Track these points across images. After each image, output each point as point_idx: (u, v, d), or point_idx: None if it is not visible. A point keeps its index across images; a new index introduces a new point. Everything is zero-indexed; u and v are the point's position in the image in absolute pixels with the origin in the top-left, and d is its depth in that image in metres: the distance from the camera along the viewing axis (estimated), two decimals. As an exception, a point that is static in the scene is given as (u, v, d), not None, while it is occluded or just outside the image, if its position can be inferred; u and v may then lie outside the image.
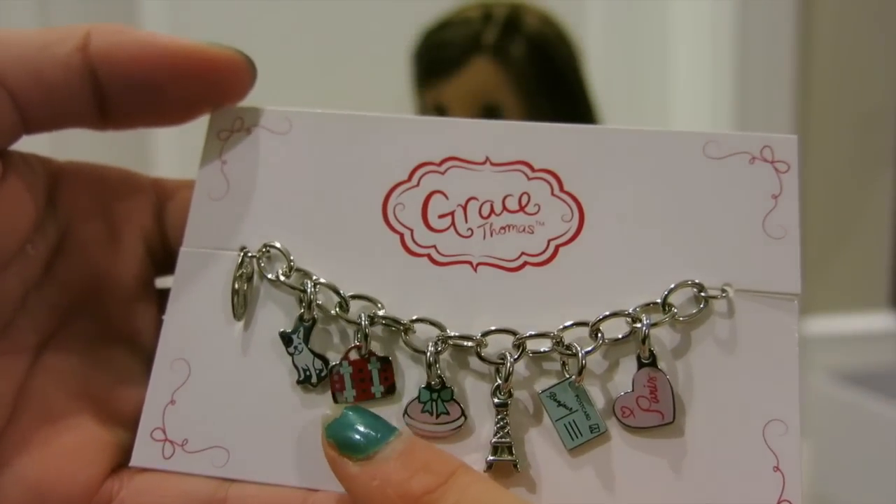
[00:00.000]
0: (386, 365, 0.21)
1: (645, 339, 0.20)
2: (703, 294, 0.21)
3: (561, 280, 0.21)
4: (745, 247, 0.21)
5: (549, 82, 0.77)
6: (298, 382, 0.21)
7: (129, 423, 0.22)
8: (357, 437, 0.19)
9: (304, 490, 0.21)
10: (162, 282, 0.24)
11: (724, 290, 0.21)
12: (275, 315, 0.22)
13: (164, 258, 0.24)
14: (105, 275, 0.22)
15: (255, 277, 0.22)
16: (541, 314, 0.21)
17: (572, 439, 0.20)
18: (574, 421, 0.20)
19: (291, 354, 0.21)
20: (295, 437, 0.21)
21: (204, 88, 0.22)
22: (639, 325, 0.20)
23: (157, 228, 0.24)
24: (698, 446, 0.20)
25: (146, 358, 0.22)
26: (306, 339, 0.21)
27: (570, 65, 0.79)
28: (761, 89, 1.08)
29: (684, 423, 0.20)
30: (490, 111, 0.76)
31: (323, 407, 0.21)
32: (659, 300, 0.21)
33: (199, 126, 0.24)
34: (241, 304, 0.22)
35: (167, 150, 1.05)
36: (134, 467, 0.21)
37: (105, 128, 0.22)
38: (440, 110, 0.78)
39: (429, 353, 0.20)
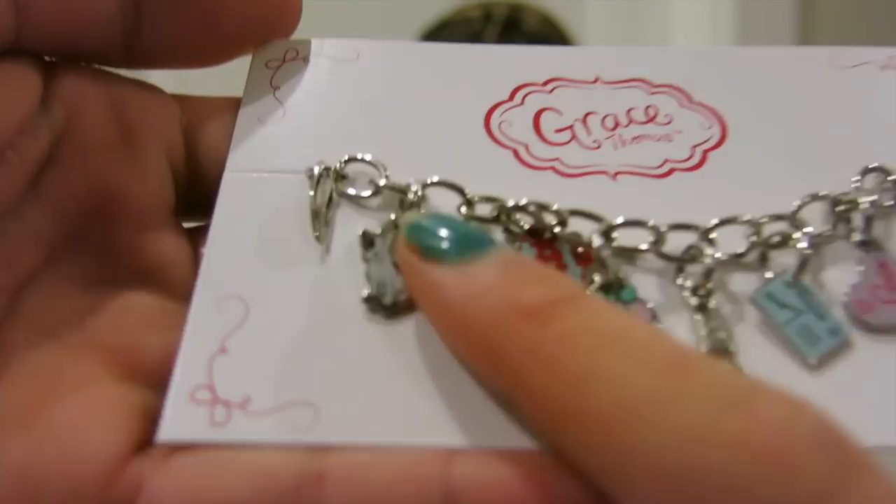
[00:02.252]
0: (577, 240, 0.17)
1: (870, 217, 0.17)
2: (892, 178, 0.18)
3: (716, 184, 0.19)
4: (883, 157, 0.19)
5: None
6: (366, 300, 0.16)
7: (156, 382, 0.15)
8: (448, 242, 0.14)
9: (442, 452, 0.14)
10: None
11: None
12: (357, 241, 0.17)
13: (189, 190, 0.19)
14: (115, 192, 0.17)
15: (335, 196, 0.18)
16: (703, 219, 0.18)
17: (811, 347, 0.15)
18: (807, 324, 0.16)
19: (368, 261, 0.16)
20: (413, 380, 0.15)
21: (250, 20, 0.18)
22: (845, 207, 0.17)
23: (184, 148, 0.19)
24: None
25: (171, 299, 0.17)
26: (392, 247, 0.16)
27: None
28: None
29: None
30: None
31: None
32: (847, 191, 0.18)
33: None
34: (323, 222, 0.17)
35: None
36: (167, 443, 0.14)
37: (128, 64, 0.18)
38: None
39: (596, 245, 0.17)
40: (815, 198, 0.17)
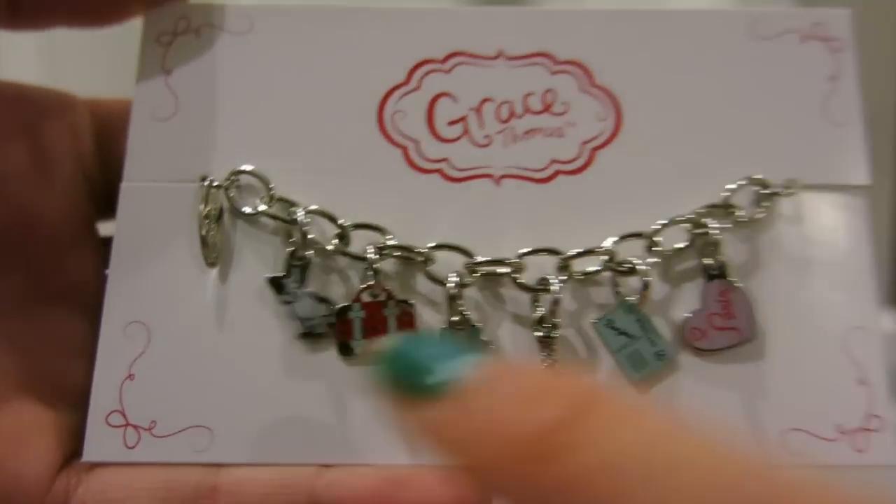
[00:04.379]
0: (406, 309, 0.17)
1: (714, 245, 0.17)
2: (767, 192, 0.18)
3: (600, 189, 0.18)
4: (806, 136, 0.19)
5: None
6: (300, 336, 0.17)
7: (78, 401, 0.17)
8: (427, 369, 0.13)
9: (314, 467, 0.17)
10: (106, 228, 0.19)
11: (788, 187, 0.18)
12: (255, 258, 0.18)
13: (107, 196, 0.19)
14: (33, 214, 0.18)
15: (225, 214, 0.18)
16: (579, 230, 0.18)
17: (637, 370, 0.17)
18: (638, 350, 0.17)
19: (288, 303, 0.17)
20: (295, 404, 0.17)
21: None
22: (701, 230, 0.18)
23: (97, 157, 0.19)
24: (777, 365, 0.18)
25: (90, 317, 0.18)
26: (302, 282, 0.17)
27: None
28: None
29: (762, 345, 0.18)
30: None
31: (327, 365, 0.17)
32: (718, 202, 0.18)
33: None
34: (213, 248, 0.17)
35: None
36: (90, 462, 0.17)
37: (14, 26, 0.18)
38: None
39: (448, 285, 0.17)
40: (672, 222, 0.18)
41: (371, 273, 0.17)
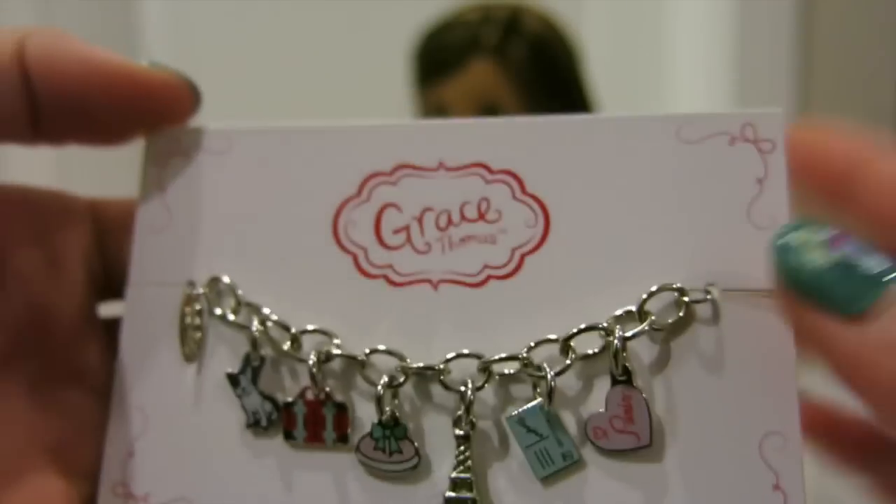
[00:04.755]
0: (341, 412, 0.19)
1: (617, 353, 0.18)
2: (683, 298, 0.18)
3: (528, 293, 0.19)
4: (728, 240, 0.19)
5: (549, 83, 0.77)
6: (248, 426, 0.20)
7: (90, 473, 0.20)
8: (841, 295, 0.15)
9: None
10: (105, 309, 0.23)
11: (706, 292, 0.18)
12: (227, 354, 0.20)
13: (106, 285, 0.22)
14: (47, 308, 0.21)
15: (205, 315, 0.20)
16: (509, 332, 0.19)
17: (543, 468, 0.18)
18: (545, 448, 0.18)
19: (239, 396, 0.20)
20: (253, 480, 0.20)
21: (138, 111, 0.20)
22: (611, 336, 0.18)
23: (98, 253, 0.22)
24: (682, 470, 0.18)
25: (98, 397, 0.21)
26: (254, 380, 0.20)
27: (569, 66, 0.79)
28: (761, 90, 1.08)
29: (665, 446, 0.18)
30: (490, 112, 0.76)
31: (274, 451, 0.20)
32: (634, 308, 0.19)
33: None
34: (193, 345, 0.20)
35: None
36: None
37: (35, 142, 0.20)
38: (440, 112, 0.78)
39: (379, 387, 0.19)
40: (586, 328, 0.19)
41: (311, 378, 0.19)
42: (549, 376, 0.18)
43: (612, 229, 0.19)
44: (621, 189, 0.19)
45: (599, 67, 1.09)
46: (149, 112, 0.21)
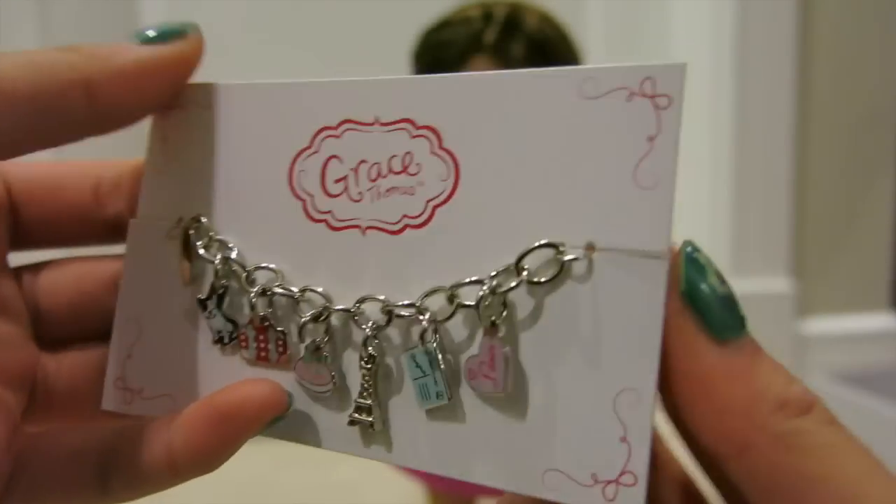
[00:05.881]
0: (280, 336, 0.23)
1: (479, 304, 0.20)
2: (559, 256, 0.19)
3: (438, 243, 0.21)
4: (611, 199, 0.18)
5: (550, 82, 0.77)
6: (213, 342, 0.23)
7: (21, 385, 0.22)
8: (727, 312, 0.18)
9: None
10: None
11: (587, 250, 0.19)
12: (207, 280, 0.24)
13: (15, 239, 0.24)
14: None
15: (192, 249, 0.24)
16: (418, 278, 0.21)
17: (424, 401, 0.20)
18: (426, 384, 0.20)
19: (206, 318, 0.23)
20: (216, 389, 0.23)
21: (171, 95, 0.24)
22: (489, 289, 0.19)
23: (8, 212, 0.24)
24: (537, 418, 0.19)
25: (16, 324, 0.23)
26: (219, 305, 0.23)
27: (569, 64, 0.79)
28: (761, 90, 1.08)
29: (528, 394, 0.19)
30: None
31: (234, 365, 0.23)
32: (512, 263, 0.19)
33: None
34: (185, 272, 0.24)
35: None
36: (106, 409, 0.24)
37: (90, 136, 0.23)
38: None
39: (302, 319, 0.22)
40: (470, 282, 0.20)
41: (253, 305, 0.23)
42: (424, 321, 0.20)
43: (513, 185, 0.20)
44: (525, 145, 0.20)
45: (599, 67, 1.09)
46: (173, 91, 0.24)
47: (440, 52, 0.76)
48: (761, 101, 1.08)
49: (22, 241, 0.24)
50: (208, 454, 0.21)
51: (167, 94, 0.23)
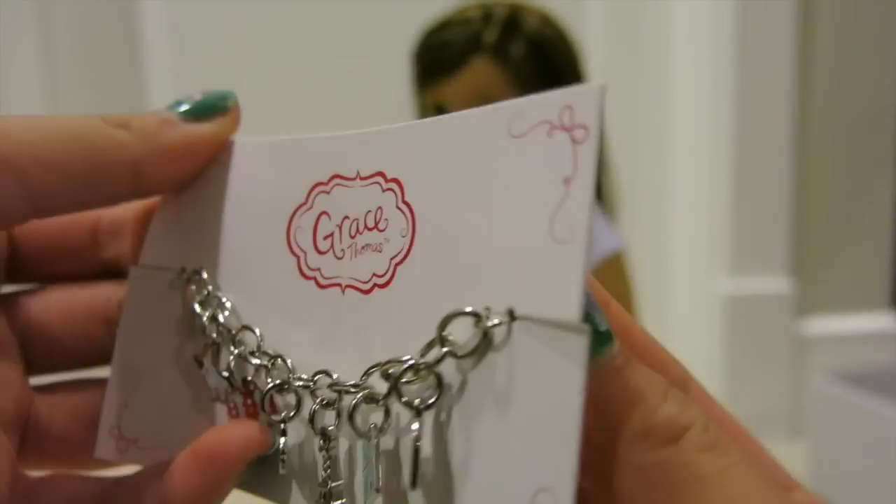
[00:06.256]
0: (265, 398, 0.22)
1: (396, 383, 0.18)
2: (480, 325, 0.17)
3: (399, 303, 0.20)
4: (530, 256, 0.16)
5: (549, 82, 0.77)
6: (212, 400, 0.23)
7: (12, 426, 0.22)
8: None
9: None
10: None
11: (510, 317, 0.17)
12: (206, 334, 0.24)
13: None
14: None
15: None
16: (384, 341, 0.20)
17: (367, 493, 0.19)
18: (367, 476, 0.19)
19: (203, 376, 0.23)
20: None
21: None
22: (394, 370, 0.18)
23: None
24: None
25: (6, 359, 0.23)
26: (214, 363, 0.23)
27: (570, 65, 0.79)
28: (761, 89, 1.08)
29: (452, 487, 0.17)
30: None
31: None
32: (435, 335, 0.18)
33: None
34: (189, 323, 0.24)
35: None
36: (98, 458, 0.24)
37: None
38: (440, 110, 0.78)
39: (266, 390, 0.21)
40: (388, 362, 0.19)
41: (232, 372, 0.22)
42: (362, 402, 0.19)
43: (454, 240, 0.18)
44: (463, 195, 0.18)
45: (600, 67, 1.09)
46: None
47: (440, 52, 0.76)
48: (761, 101, 1.08)
49: (15, 274, 0.24)
50: (199, 498, 0.21)
51: (203, 168, 0.24)
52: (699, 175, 1.15)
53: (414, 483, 0.17)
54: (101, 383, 0.25)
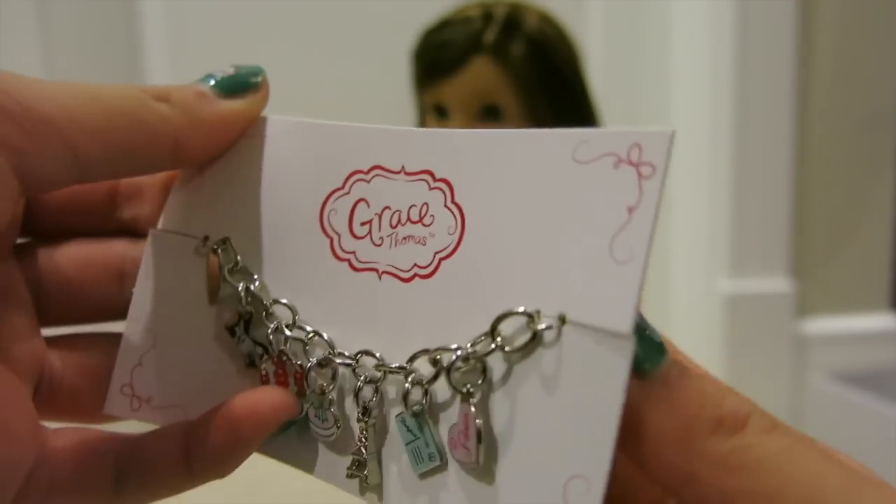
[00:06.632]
0: (298, 370, 0.23)
1: (449, 371, 0.20)
2: (532, 325, 0.19)
3: (441, 295, 0.21)
4: (587, 271, 0.18)
5: (549, 82, 0.76)
6: (247, 366, 0.24)
7: (29, 373, 0.22)
8: (640, 344, 0.17)
9: None
10: None
11: (559, 321, 0.18)
12: (230, 302, 0.24)
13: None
14: None
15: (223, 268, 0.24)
16: (424, 328, 0.21)
17: (417, 464, 0.21)
18: (418, 447, 0.21)
19: (237, 343, 0.24)
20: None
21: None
22: (451, 357, 0.20)
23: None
24: (505, 495, 0.19)
25: (22, 310, 0.23)
26: (247, 330, 0.24)
27: (570, 65, 0.79)
28: (761, 89, 1.08)
29: (495, 468, 0.19)
30: (490, 111, 0.76)
31: (255, 385, 0.23)
32: (488, 328, 0.20)
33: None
34: (215, 290, 0.24)
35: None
36: (108, 414, 0.25)
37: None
38: (440, 110, 0.78)
39: (308, 366, 0.22)
40: (442, 349, 0.20)
41: (271, 342, 0.23)
42: (409, 384, 0.21)
43: (506, 246, 0.20)
44: (520, 207, 0.20)
45: (600, 66, 1.09)
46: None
47: (440, 52, 0.76)
48: (761, 101, 1.08)
49: (32, 228, 0.24)
50: (224, 457, 0.21)
51: (234, 141, 0.24)
52: (699, 175, 1.15)
53: (477, 460, 0.19)
54: (112, 339, 0.25)
